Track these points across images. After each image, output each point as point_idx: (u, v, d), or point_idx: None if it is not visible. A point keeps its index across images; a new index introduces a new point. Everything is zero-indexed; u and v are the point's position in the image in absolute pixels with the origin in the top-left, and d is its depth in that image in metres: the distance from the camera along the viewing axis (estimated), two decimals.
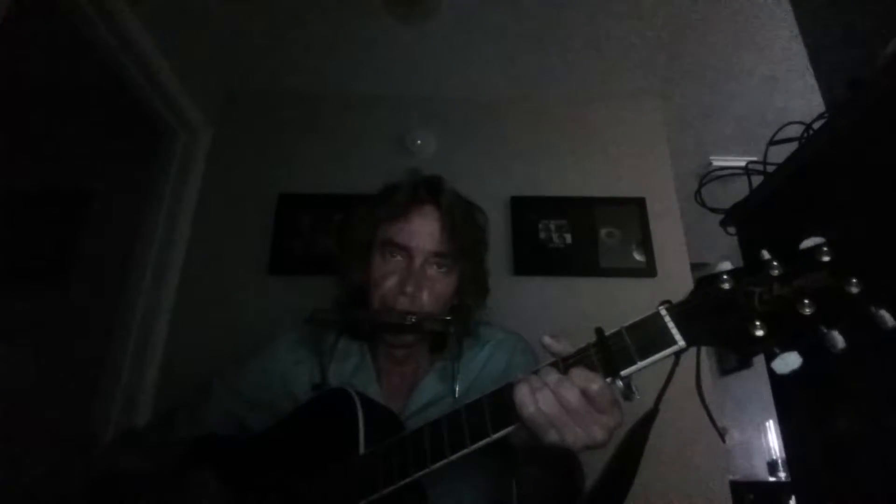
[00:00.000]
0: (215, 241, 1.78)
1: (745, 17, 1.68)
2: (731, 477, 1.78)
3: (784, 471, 3.27)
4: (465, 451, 0.55)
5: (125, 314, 1.61)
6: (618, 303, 1.66)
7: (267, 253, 1.74)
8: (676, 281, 1.73)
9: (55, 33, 1.61)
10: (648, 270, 1.75)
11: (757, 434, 3.65)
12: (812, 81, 1.06)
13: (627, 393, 0.51)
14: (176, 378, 1.57)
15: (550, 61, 1.88)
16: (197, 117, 1.82)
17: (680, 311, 0.50)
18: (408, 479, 0.57)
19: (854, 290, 0.42)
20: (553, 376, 0.51)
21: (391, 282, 0.79)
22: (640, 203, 1.85)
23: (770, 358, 0.45)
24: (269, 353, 0.88)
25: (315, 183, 1.86)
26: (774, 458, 3.44)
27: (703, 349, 0.52)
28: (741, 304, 0.46)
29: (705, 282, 0.49)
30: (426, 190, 0.83)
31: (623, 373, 0.50)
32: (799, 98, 1.96)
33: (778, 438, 3.39)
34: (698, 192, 1.18)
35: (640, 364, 0.50)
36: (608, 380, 0.50)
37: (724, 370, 3.98)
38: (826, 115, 0.84)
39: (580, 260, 1.77)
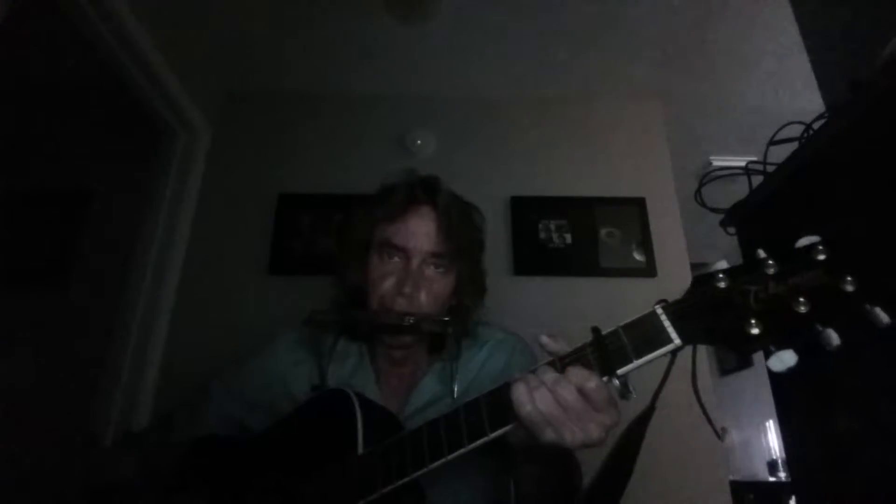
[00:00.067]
0: (215, 241, 1.78)
1: (745, 17, 1.68)
2: (731, 477, 1.78)
3: (784, 471, 3.27)
4: (463, 450, 0.55)
5: (125, 314, 1.61)
6: (618, 303, 1.66)
7: (267, 253, 1.75)
8: (676, 281, 1.73)
9: (55, 33, 1.60)
10: (648, 270, 1.75)
11: (757, 434, 3.65)
12: (812, 81, 1.06)
13: (624, 391, 0.51)
14: (176, 378, 1.57)
15: (550, 61, 1.88)
16: (197, 117, 1.82)
17: (676, 310, 0.50)
18: (406, 479, 0.57)
19: (849, 288, 0.42)
20: (550, 375, 0.51)
21: (389, 283, 0.79)
22: (640, 203, 1.85)
23: (766, 356, 0.45)
24: (268, 353, 0.88)
25: (315, 183, 1.86)
26: (774, 458, 3.43)
27: (704, 350, 0.52)
28: (737, 303, 0.46)
29: (701, 280, 0.49)
30: (423, 190, 0.83)
31: (619, 371, 0.50)
32: (799, 98, 1.96)
33: (778, 438, 3.38)
34: (698, 192, 1.18)
35: (637, 363, 0.50)
36: (605, 378, 0.51)
37: (724, 370, 3.98)
38: (826, 115, 0.83)
39: (580, 260, 1.77)
